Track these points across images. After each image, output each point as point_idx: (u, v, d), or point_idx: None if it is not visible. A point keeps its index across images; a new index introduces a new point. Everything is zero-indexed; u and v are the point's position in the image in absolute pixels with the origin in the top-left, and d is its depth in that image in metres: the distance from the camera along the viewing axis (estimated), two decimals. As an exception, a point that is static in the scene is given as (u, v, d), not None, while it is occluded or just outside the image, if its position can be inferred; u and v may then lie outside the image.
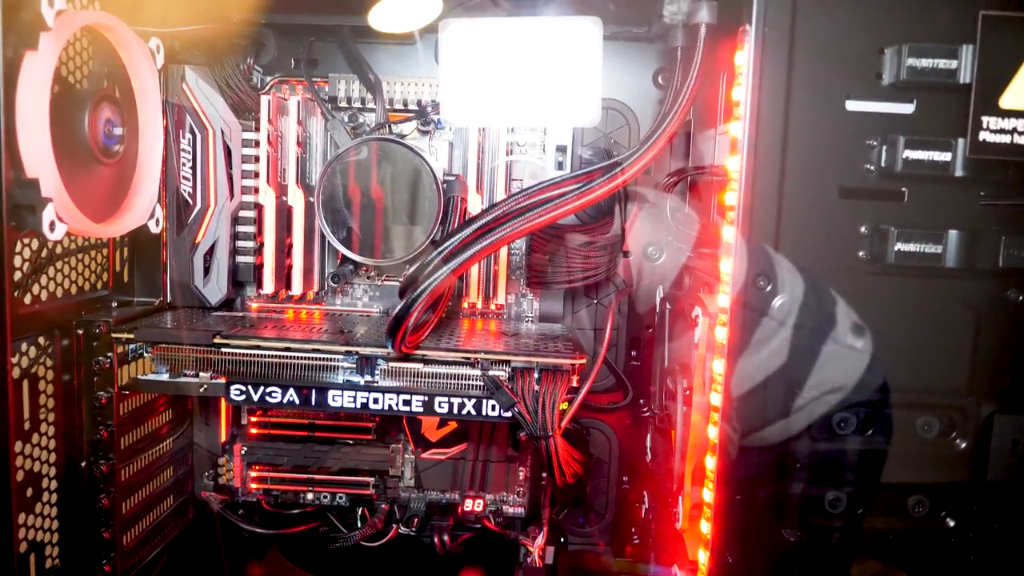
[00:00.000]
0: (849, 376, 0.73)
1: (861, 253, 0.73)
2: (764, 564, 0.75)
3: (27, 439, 0.80)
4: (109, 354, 0.90)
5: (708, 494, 0.76)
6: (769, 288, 0.72)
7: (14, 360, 0.77)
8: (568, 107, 0.83)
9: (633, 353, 1.10)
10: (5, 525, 0.75)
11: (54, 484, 0.85)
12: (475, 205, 1.00)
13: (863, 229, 0.72)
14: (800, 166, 0.71)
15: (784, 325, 0.72)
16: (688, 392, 0.85)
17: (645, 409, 1.06)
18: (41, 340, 0.83)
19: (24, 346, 0.80)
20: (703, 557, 0.77)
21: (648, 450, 1.03)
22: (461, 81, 0.84)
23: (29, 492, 0.81)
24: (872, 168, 0.72)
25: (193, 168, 0.98)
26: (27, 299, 0.81)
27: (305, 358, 0.88)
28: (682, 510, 0.83)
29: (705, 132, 0.98)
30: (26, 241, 0.79)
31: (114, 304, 0.98)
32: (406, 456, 1.09)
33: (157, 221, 0.97)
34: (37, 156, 0.73)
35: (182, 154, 0.98)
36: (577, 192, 0.75)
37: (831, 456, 0.74)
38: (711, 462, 0.75)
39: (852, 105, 0.71)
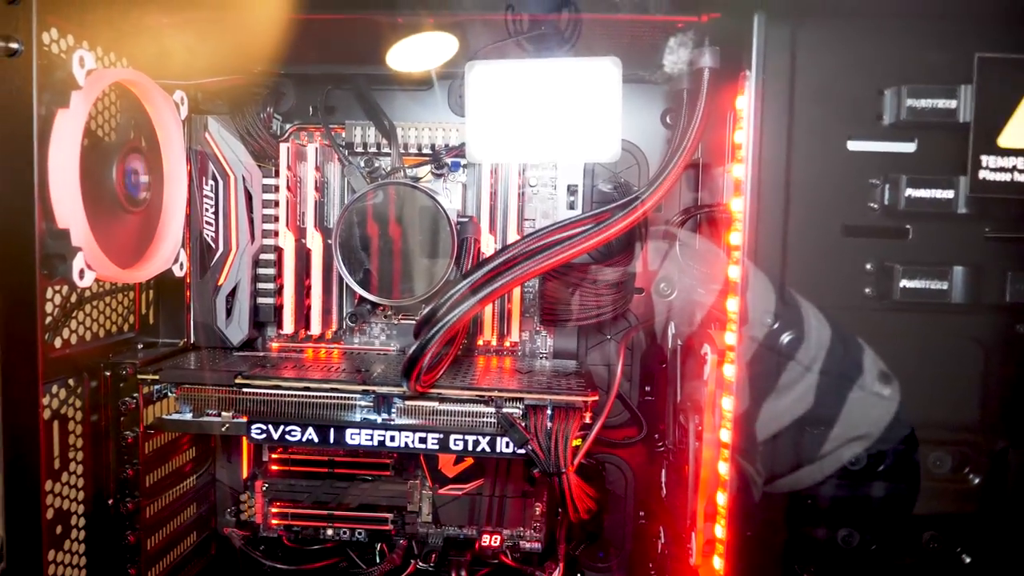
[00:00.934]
0: (859, 413, 0.73)
1: (867, 290, 0.74)
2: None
3: (57, 478, 0.83)
4: (135, 395, 0.93)
5: (720, 530, 0.77)
6: (776, 326, 0.73)
7: (45, 402, 0.80)
8: (589, 144, 0.86)
9: (647, 388, 1.11)
10: (35, 562, 0.77)
11: (82, 522, 0.87)
12: (488, 245, 1.02)
13: (868, 266, 0.74)
14: (804, 206, 0.73)
15: (792, 362, 0.73)
16: (700, 428, 0.86)
17: (660, 444, 1.07)
18: (71, 382, 0.86)
19: (55, 388, 0.83)
20: (717, 593, 0.77)
21: (663, 485, 1.04)
22: (486, 120, 0.86)
23: (58, 529, 0.83)
24: (875, 206, 0.73)
25: (216, 213, 1.02)
26: (57, 343, 0.84)
27: (324, 397, 0.90)
28: (695, 546, 0.83)
29: (714, 171, 1.00)
30: (56, 288, 0.83)
31: (140, 346, 1.01)
32: (424, 492, 1.10)
33: (181, 265, 1.00)
34: (68, 207, 0.76)
35: (205, 200, 1.02)
36: (589, 232, 0.78)
37: (843, 493, 0.74)
38: (722, 498, 0.76)
39: (854, 145, 0.73)
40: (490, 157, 0.99)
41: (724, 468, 0.76)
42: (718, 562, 0.77)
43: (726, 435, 0.75)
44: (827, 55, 0.73)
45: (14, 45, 0.72)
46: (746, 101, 0.72)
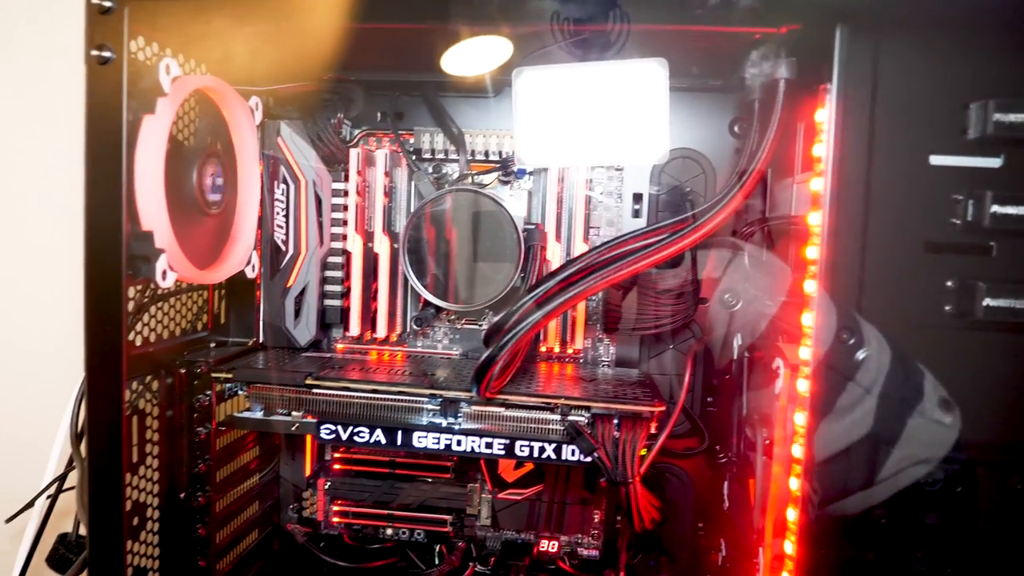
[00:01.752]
0: (935, 433, 0.72)
1: (948, 307, 0.72)
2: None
3: (135, 471, 0.86)
4: (208, 392, 0.95)
5: (790, 547, 0.76)
6: (853, 341, 0.72)
7: (126, 398, 0.82)
8: (638, 146, 0.86)
9: (709, 399, 1.10)
10: (116, 551, 0.80)
11: (156, 514, 0.90)
12: (554, 253, 1.03)
13: (949, 283, 0.72)
14: (883, 221, 0.71)
15: (868, 379, 0.72)
16: (768, 443, 0.85)
17: (722, 456, 1.06)
18: (148, 379, 0.88)
19: (134, 384, 0.85)
20: (784, 610, 0.77)
21: (726, 498, 1.03)
22: (534, 124, 0.87)
23: (135, 521, 0.86)
24: (958, 222, 0.72)
25: (286, 217, 1.04)
26: (137, 341, 0.87)
27: (391, 400, 0.91)
28: (763, 561, 0.83)
29: (783, 181, 0.98)
30: (139, 287, 0.85)
31: (212, 344, 1.03)
32: (483, 495, 1.11)
33: (253, 267, 1.02)
34: (153, 210, 0.79)
35: (276, 203, 1.04)
36: (659, 245, 0.77)
37: (918, 512, 0.73)
38: (792, 515, 0.75)
39: (937, 160, 0.72)
40: (540, 161, 0.99)
41: (795, 484, 0.75)
42: (786, 579, 0.76)
43: (798, 450, 0.74)
44: (910, 68, 0.71)
45: (106, 53, 0.75)
46: (826, 114, 0.71)
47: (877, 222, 0.71)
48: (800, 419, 0.74)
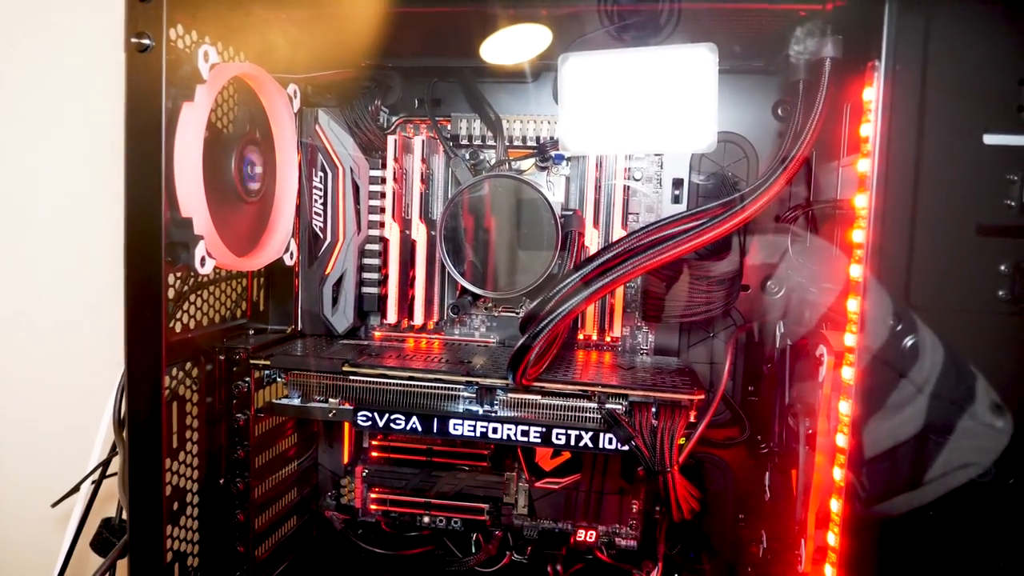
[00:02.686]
0: (986, 423, 0.69)
1: (1001, 292, 0.69)
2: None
3: (175, 457, 0.87)
4: (247, 379, 0.96)
5: (833, 538, 0.74)
6: (900, 328, 0.70)
7: (166, 384, 0.84)
8: (684, 134, 0.84)
9: (750, 388, 1.08)
10: (156, 535, 0.81)
11: (196, 499, 0.91)
12: (592, 239, 1.01)
13: (1003, 268, 0.69)
14: (934, 203, 0.69)
15: (916, 368, 0.69)
16: (811, 432, 0.83)
17: (763, 446, 1.04)
18: (188, 365, 0.89)
19: (174, 371, 0.86)
20: (828, 604, 0.75)
21: (767, 488, 1.01)
22: (580, 111, 0.86)
23: (175, 506, 0.87)
24: (1013, 204, 0.69)
25: (324, 204, 1.04)
26: (177, 327, 0.88)
27: (428, 387, 0.91)
28: (805, 553, 0.81)
29: (827, 165, 0.96)
30: (179, 275, 0.86)
31: (251, 332, 1.04)
32: (520, 484, 1.10)
33: (291, 254, 1.03)
34: (191, 197, 0.80)
35: (314, 191, 1.04)
36: (699, 229, 0.75)
37: (969, 505, 0.70)
38: (836, 505, 0.73)
39: (990, 139, 0.69)
40: (584, 148, 0.98)
41: (839, 474, 0.73)
42: (830, 571, 0.74)
43: (842, 440, 0.72)
44: (963, 44, 0.68)
45: (146, 41, 0.75)
46: (874, 93, 0.68)
47: (927, 204, 0.69)
48: (844, 408, 0.72)
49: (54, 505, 1.12)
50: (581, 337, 1.07)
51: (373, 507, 1.14)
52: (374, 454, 1.14)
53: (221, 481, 0.96)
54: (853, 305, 0.71)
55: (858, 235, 0.71)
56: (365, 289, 1.07)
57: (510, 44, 0.99)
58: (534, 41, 0.98)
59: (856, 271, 0.71)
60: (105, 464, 1.07)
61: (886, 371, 0.70)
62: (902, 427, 0.70)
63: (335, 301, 1.06)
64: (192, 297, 0.91)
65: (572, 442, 0.87)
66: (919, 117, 0.68)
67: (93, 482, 1.05)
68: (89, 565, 0.95)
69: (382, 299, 1.06)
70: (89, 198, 1.30)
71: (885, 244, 0.69)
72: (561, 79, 0.85)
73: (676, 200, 1.04)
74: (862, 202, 0.70)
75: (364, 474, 1.14)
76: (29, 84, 1.31)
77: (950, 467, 0.70)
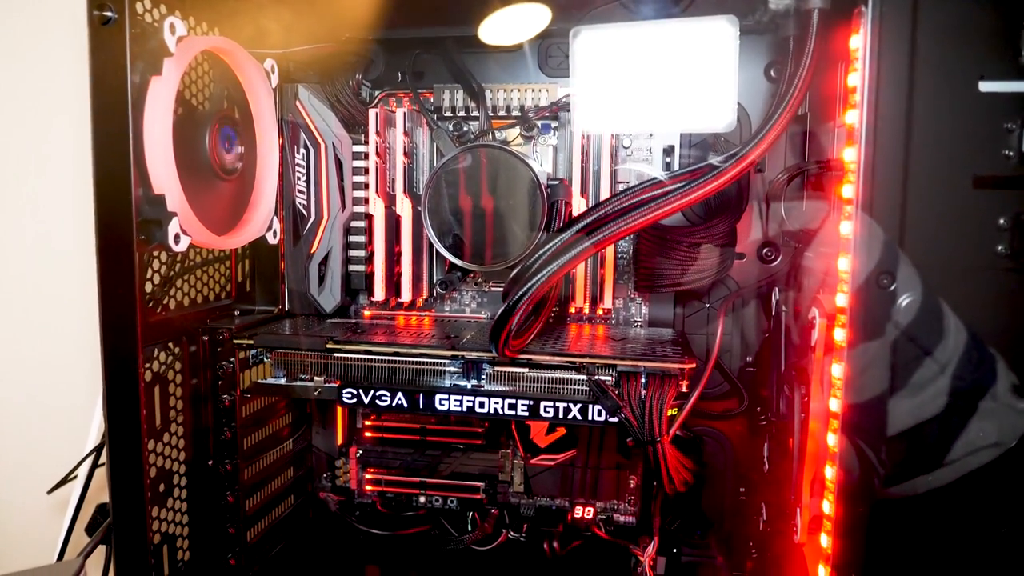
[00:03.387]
0: (985, 384, 0.66)
1: (1000, 247, 0.66)
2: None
3: (159, 438, 0.86)
4: (232, 359, 0.94)
5: (828, 506, 0.71)
6: (893, 287, 0.67)
7: (146, 364, 0.82)
8: (703, 112, 0.81)
9: (748, 359, 1.05)
10: (139, 517, 0.80)
11: (184, 481, 0.90)
12: (579, 209, 0.99)
13: (1002, 221, 0.66)
14: (927, 155, 0.66)
15: (910, 327, 0.67)
16: (806, 399, 0.80)
17: (762, 417, 1.01)
18: (171, 345, 0.88)
19: (155, 351, 0.85)
20: (823, 573, 0.72)
21: (766, 459, 0.98)
22: (593, 89, 0.83)
23: (161, 487, 0.86)
24: (1011, 154, 0.65)
25: (307, 181, 1.02)
26: (158, 308, 0.86)
27: (413, 362, 0.89)
28: (800, 522, 0.78)
29: (823, 126, 0.93)
30: (156, 254, 0.85)
31: (237, 312, 1.03)
32: (515, 462, 1.09)
33: (275, 233, 1.01)
34: (162, 173, 0.78)
35: (297, 168, 1.02)
36: (684, 189, 0.73)
37: (966, 467, 0.68)
38: (831, 472, 0.71)
39: (986, 86, 0.65)
40: (599, 127, 0.95)
41: (833, 440, 0.70)
42: (825, 540, 0.72)
43: (835, 404, 0.70)
44: (955, -16, 0.65)
45: (108, 13, 0.74)
46: (861, 39, 0.65)
47: (919, 156, 0.66)
48: (837, 371, 0.69)
49: (50, 492, 1.12)
50: (573, 310, 1.04)
51: (368, 488, 1.13)
52: (367, 435, 1.13)
53: (209, 463, 0.95)
54: (844, 264, 0.68)
55: (848, 190, 0.68)
56: (352, 267, 1.05)
57: (508, 24, 0.97)
58: (533, 21, 0.95)
59: (847, 228, 0.68)
60: (98, 450, 1.06)
61: (878, 331, 0.67)
62: (896, 390, 0.67)
63: (322, 280, 1.05)
64: (172, 276, 0.89)
65: (561, 415, 0.85)
66: (910, 64, 0.65)
67: (89, 468, 1.04)
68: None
69: (369, 276, 1.04)
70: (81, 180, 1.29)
71: (876, 199, 0.66)
72: (573, 55, 0.82)
73: (667, 168, 1.01)
74: (851, 156, 0.67)
75: (358, 455, 1.12)
76: None
77: (948, 431, 0.68)
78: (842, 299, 0.69)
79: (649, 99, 0.81)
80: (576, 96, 0.82)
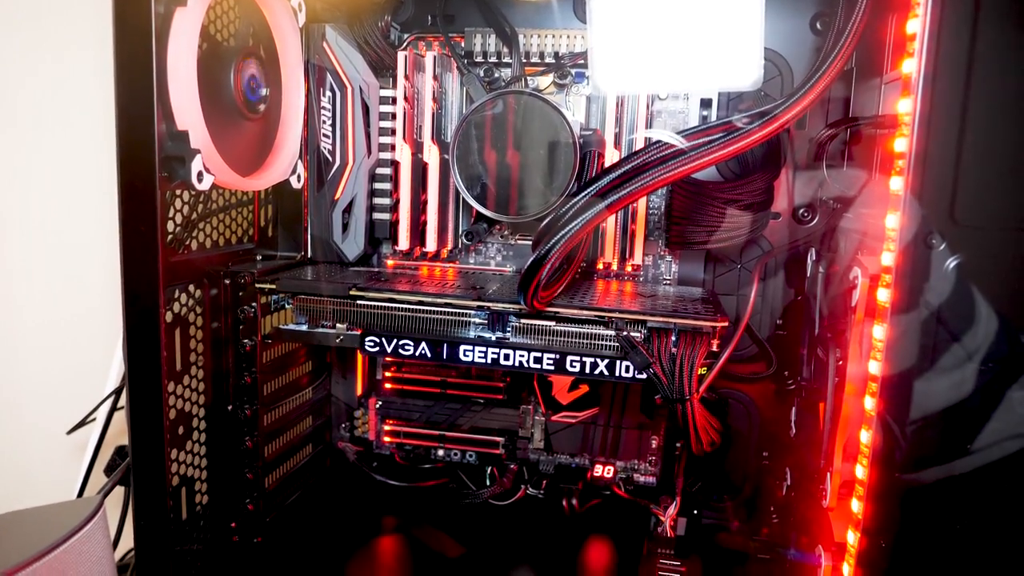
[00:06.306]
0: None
1: (1057, 208, 0.63)
2: (925, 553, 0.68)
3: (179, 380, 0.85)
4: (253, 304, 0.93)
5: (861, 471, 0.69)
6: (942, 247, 0.64)
7: (167, 305, 0.81)
8: (727, 69, 0.77)
9: (778, 322, 1.03)
10: (158, 458, 0.79)
11: (203, 424, 0.89)
12: (612, 161, 0.96)
13: (1062, 180, 0.63)
14: (988, 106, 0.62)
15: (958, 292, 0.64)
16: (840, 362, 0.78)
17: (790, 382, 0.99)
18: (191, 288, 0.86)
19: (176, 292, 0.83)
20: (852, 539, 0.71)
21: (793, 424, 0.96)
22: (612, 46, 0.79)
23: (180, 430, 0.85)
24: (1081, 107, 0.62)
25: (333, 126, 1.00)
26: (180, 248, 0.85)
27: (437, 312, 0.88)
28: (830, 488, 0.76)
29: (869, 82, 0.89)
30: (178, 193, 0.83)
31: (259, 257, 1.01)
32: (536, 418, 1.07)
33: (299, 177, 0.99)
34: (186, 108, 0.76)
35: (323, 112, 1.00)
36: (723, 141, 0.70)
37: (1008, 436, 0.65)
38: (866, 436, 0.69)
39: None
40: (618, 88, 0.92)
41: (870, 403, 0.68)
42: (856, 505, 0.70)
43: (875, 367, 0.67)
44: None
45: (133, -61, 0.71)
46: (923, -19, 0.61)
47: (980, 106, 0.62)
48: (879, 332, 0.67)
49: (69, 432, 1.12)
50: (601, 266, 1.02)
51: (387, 439, 1.12)
52: (387, 386, 1.12)
53: (229, 407, 0.94)
54: (892, 221, 0.65)
55: (900, 143, 0.65)
56: (376, 215, 1.03)
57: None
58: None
59: (896, 184, 0.65)
60: (118, 392, 1.06)
61: (925, 293, 0.64)
62: (940, 353, 0.65)
63: (345, 227, 1.03)
64: (195, 218, 0.87)
65: (587, 370, 0.83)
66: (974, 7, 0.61)
67: (109, 410, 1.04)
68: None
69: (393, 225, 1.02)
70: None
71: (930, 152, 0.62)
72: (590, 10, 0.78)
73: (704, 121, 0.97)
74: (906, 107, 0.64)
75: (378, 406, 1.12)
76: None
77: (992, 399, 0.65)
78: (888, 258, 0.66)
79: (671, 57, 0.77)
80: (594, 54, 0.78)
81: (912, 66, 0.63)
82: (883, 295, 0.66)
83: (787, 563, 0.93)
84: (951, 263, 0.64)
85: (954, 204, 0.63)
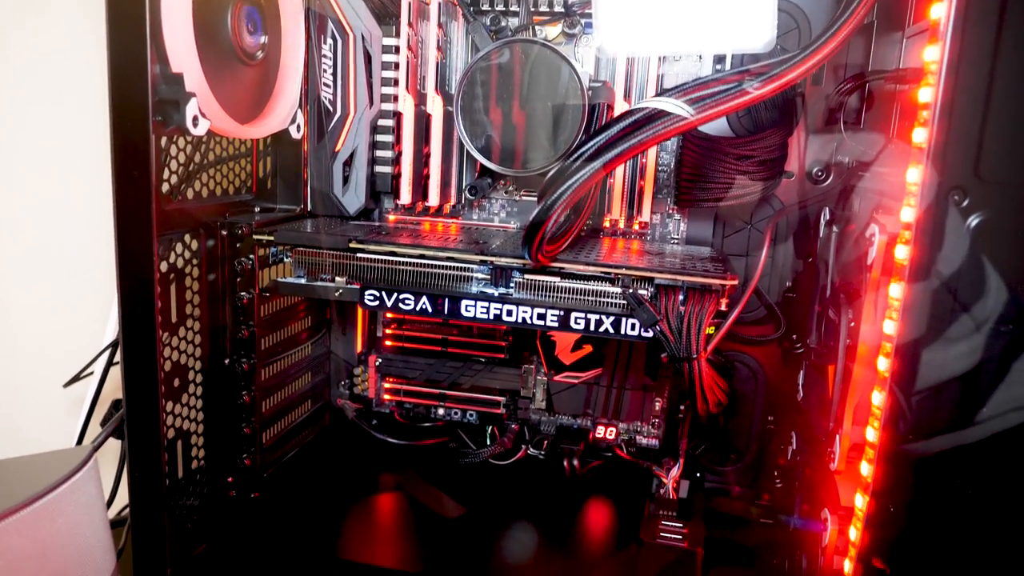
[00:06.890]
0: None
1: (1088, 166, 0.60)
2: (935, 519, 0.66)
3: (174, 332, 0.83)
4: (251, 256, 0.91)
5: (872, 433, 0.67)
6: (966, 204, 0.61)
7: (162, 255, 0.79)
8: (738, 29, 0.73)
9: (788, 284, 1.00)
10: (152, 410, 0.77)
11: (199, 378, 0.88)
12: (622, 114, 0.93)
13: (1093, 136, 0.60)
14: (1020, 53, 0.59)
15: (980, 248, 0.61)
16: (853, 324, 0.75)
17: (798, 345, 0.97)
18: (187, 238, 0.84)
19: (172, 242, 0.81)
20: (860, 502, 0.69)
21: (800, 387, 0.94)
22: (618, 5, 0.76)
23: (176, 383, 0.84)
24: (1111, 60, 0.59)
25: (334, 75, 0.97)
26: (175, 196, 0.82)
27: (439, 266, 0.85)
28: (839, 450, 0.75)
29: (890, 36, 0.85)
30: (174, 140, 0.80)
31: (257, 209, 0.99)
32: (538, 378, 1.06)
33: (298, 127, 0.96)
34: (181, 50, 0.73)
35: (323, 60, 0.97)
36: (736, 91, 0.67)
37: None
38: (878, 398, 0.67)
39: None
40: (624, 49, 0.89)
41: (884, 364, 0.66)
42: (866, 468, 0.68)
43: (890, 327, 0.65)
44: None
45: None
46: (956, -80, 0.58)
47: (1012, 52, 0.59)
48: (896, 291, 0.64)
49: (65, 385, 1.10)
50: (607, 224, 0.99)
51: (387, 397, 1.11)
52: (388, 344, 1.10)
53: (226, 361, 0.92)
54: (913, 175, 0.63)
55: (925, 93, 0.62)
56: (378, 168, 1.01)
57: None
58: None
59: (920, 135, 0.62)
60: (114, 345, 1.04)
61: (946, 250, 0.62)
62: (960, 315, 0.63)
63: (346, 180, 1.00)
64: (192, 169, 0.85)
65: (592, 327, 0.81)
66: (1009, -51, 0.58)
67: (106, 363, 1.03)
68: (104, 447, 0.93)
69: (395, 178, 1.00)
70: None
71: (957, 102, 0.60)
72: None
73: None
74: (932, 54, 0.61)
75: (377, 364, 1.10)
76: None
77: (1010, 360, 0.63)
78: (908, 214, 0.64)
79: (679, 17, 0.74)
80: (599, 14, 0.75)
81: (942, 10, 0.60)
82: (902, 252, 0.64)
83: (789, 528, 0.92)
84: (974, 220, 0.62)
85: (979, 158, 0.61)
